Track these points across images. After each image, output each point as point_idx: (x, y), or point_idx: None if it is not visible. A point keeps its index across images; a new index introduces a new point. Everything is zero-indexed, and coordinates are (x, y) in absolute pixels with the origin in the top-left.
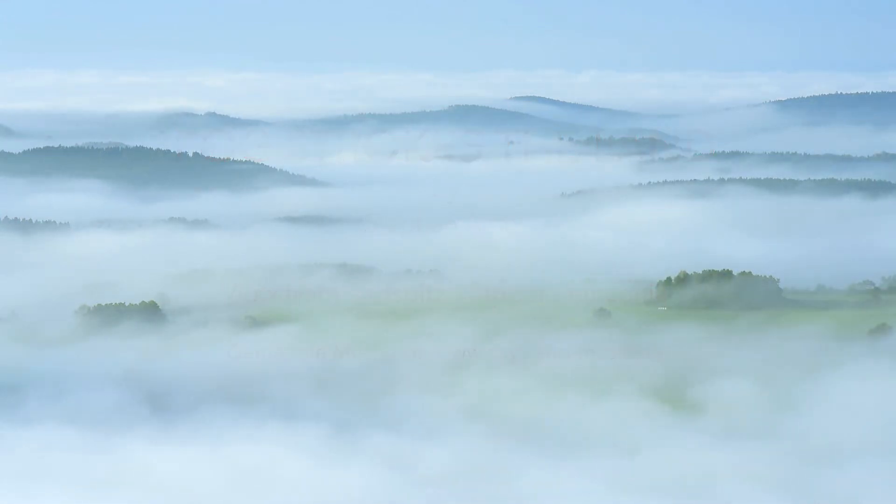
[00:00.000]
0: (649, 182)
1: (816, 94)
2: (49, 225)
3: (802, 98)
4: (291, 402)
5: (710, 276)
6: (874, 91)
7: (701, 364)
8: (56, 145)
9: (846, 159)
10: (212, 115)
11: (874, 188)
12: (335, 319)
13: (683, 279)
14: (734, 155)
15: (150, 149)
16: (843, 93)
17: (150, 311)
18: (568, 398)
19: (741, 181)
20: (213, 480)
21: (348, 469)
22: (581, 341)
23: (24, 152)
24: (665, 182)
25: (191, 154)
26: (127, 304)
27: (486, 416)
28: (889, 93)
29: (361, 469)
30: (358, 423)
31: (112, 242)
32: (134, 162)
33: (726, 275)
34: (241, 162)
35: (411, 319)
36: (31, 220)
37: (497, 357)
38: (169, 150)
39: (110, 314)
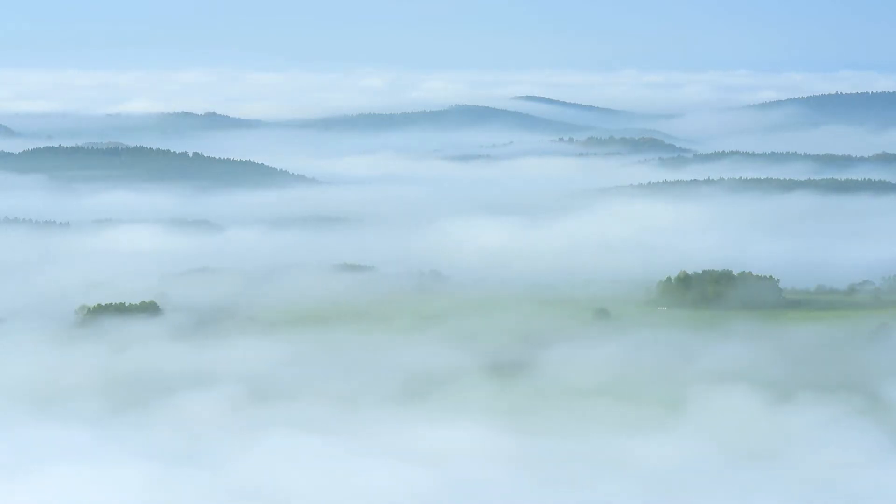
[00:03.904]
0: (649, 182)
1: (816, 94)
2: (49, 225)
3: (802, 98)
4: (472, 400)
5: (710, 276)
6: (874, 91)
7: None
8: (56, 145)
9: (846, 159)
10: (212, 115)
11: (874, 188)
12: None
13: (683, 279)
14: (734, 155)
15: (150, 149)
16: (843, 93)
17: (150, 311)
18: (755, 400)
19: (741, 181)
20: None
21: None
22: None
23: (24, 152)
24: (665, 182)
25: (191, 154)
26: (127, 304)
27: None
28: (889, 92)
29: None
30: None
31: (112, 242)
32: (134, 162)
33: (726, 275)
34: (241, 162)
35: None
36: (31, 219)
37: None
38: (169, 150)
39: (110, 314)
